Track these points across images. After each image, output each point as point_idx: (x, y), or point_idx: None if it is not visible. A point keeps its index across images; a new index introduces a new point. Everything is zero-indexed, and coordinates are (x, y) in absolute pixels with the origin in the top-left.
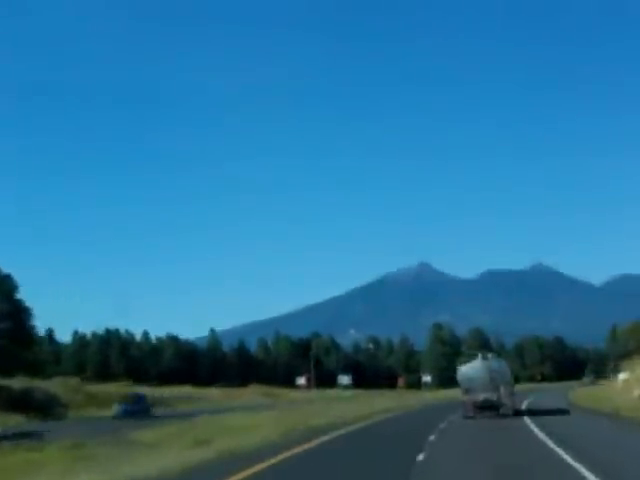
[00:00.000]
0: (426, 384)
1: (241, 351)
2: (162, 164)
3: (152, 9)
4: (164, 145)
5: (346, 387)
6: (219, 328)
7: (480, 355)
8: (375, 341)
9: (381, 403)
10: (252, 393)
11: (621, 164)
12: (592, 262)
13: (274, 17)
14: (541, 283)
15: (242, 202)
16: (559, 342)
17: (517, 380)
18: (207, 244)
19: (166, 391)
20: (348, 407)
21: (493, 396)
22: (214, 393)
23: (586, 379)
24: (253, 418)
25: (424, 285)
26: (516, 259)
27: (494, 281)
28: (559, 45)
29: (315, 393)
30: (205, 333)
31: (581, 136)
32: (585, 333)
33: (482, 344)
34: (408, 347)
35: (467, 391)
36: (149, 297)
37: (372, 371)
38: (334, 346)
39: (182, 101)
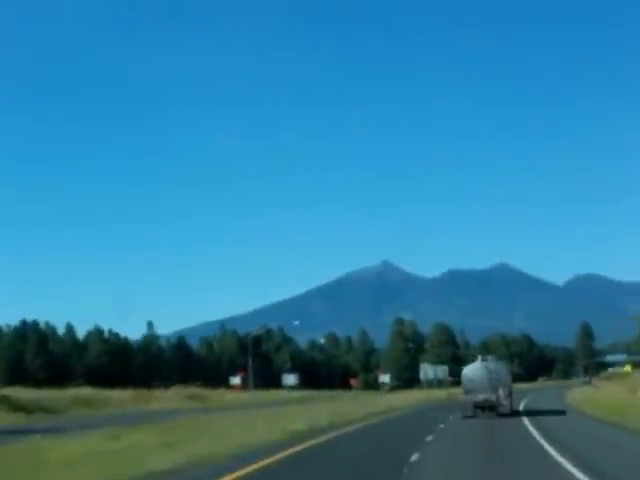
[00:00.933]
0: (384, 385)
1: (181, 348)
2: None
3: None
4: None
5: (292, 388)
6: (183, 326)
7: (480, 357)
8: (334, 339)
9: (309, 418)
10: (175, 395)
11: (582, 165)
12: (555, 262)
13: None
14: (504, 283)
15: (206, 198)
16: (526, 339)
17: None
18: (175, 240)
19: (57, 393)
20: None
21: (492, 396)
22: (122, 396)
23: (578, 379)
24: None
25: (387, 284)
26: (479, 259)
27: (457, 280)
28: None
29: (251, 395)
30: (175, 330)
31: (544, 133)
32: (548, 332)
33: (447, 340)
34: (368, 344)
35: (467, 391)
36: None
37: (328, 370)
38: (286, 343)
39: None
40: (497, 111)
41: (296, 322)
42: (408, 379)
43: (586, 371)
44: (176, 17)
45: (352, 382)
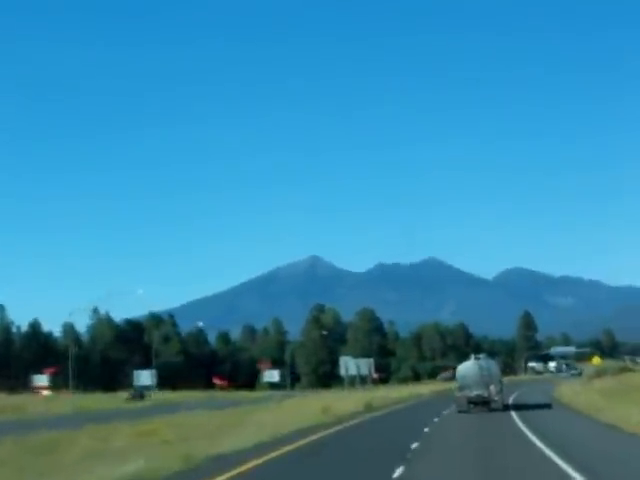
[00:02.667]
0: (273, 385)
1: (36, 337)
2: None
3: None
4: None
5: (145, 389)
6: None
7: (473, 356)
8: (251, 331)
9: None
10: None
11: (507, 161)
12: (484, 256)
13: None
14: (433, 277)
15: (130, 187)
16: (462, 329)
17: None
18: (111, 236)
19: None
20: None
21: (484, 392)
22: None
23: (562, 373)
24: None
25: (316, 279)
26: (408, 253)
27: (386, 275)
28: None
29: (67, 401)
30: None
31: (471, 129)
32: (478, 326)
33: (373, 329)
34: (281, 335)
35: (461, 388)
36: None
37: (231, 365)
38: (177, 334)
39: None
40: (428, 106)
41: (200, 323)
42: (326, 375)
43: (565, 363)
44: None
45: (217, 382)
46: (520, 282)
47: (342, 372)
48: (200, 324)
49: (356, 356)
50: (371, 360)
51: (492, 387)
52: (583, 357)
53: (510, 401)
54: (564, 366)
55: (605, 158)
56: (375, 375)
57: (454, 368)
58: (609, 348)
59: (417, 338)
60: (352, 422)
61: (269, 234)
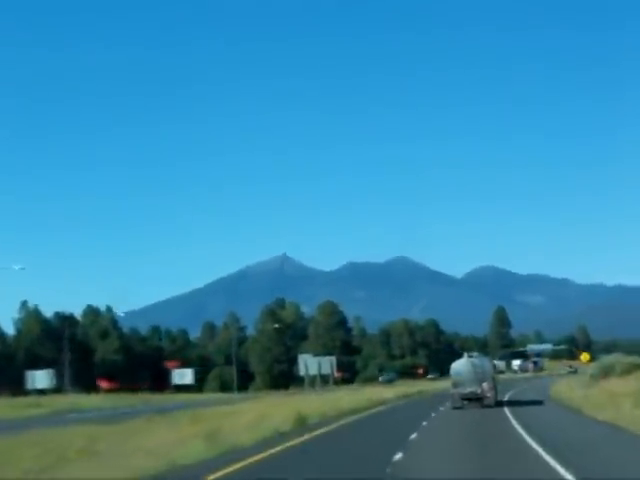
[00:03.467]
0: (180, 387)
1: None
2: None
3: None
4: None
5: (41, 392)
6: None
7: (466, 354)
8: (211, 328)
9: None
10: None
11: (476, 160)
12: (454, 255)
13: None
14: (403, 275)
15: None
16: (433, 326)
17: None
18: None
19: None
20: None
21: (477, 389)
22: None
23: (527, 373)
24: None
25: (285, 278)
26: (378, 252)
27: (356, 273)
28: None
29: None
30: None
31: (438, 129)
32: (448, 324)
33: (337, 324)
34: (239, 330)
35: (455, 385)
36: None
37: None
38: (117, 329)
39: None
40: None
41: (121, 313)
42: (283, 374)
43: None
44: None
45: (103, 384)
46: (490, 280)
47: (301, 371)
48: (121, 314)
49: (318, 354)
50: (333, 358)
51: (485, 384)
52: (561, 355)
53: None
54: (530, 365)
55: (571, 159)
56: (337, 374)
57: (426, 367)
58: (584, 345)
59: (385, 335)
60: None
61: (239, 233)
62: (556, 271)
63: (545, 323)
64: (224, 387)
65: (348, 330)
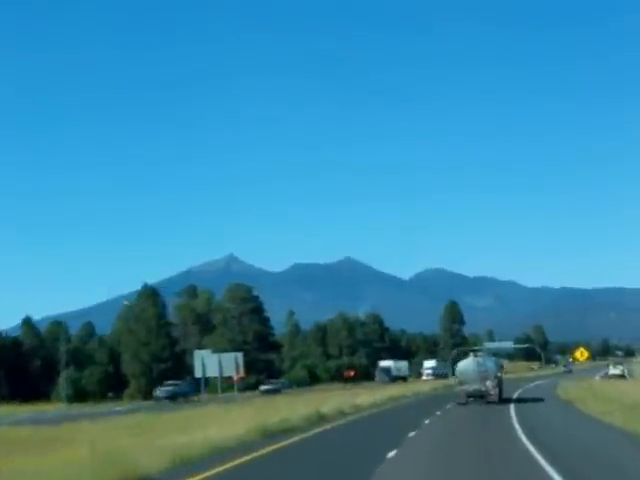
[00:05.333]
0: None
1: None
2: None
3: None
4: None
5: None
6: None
7: (472, 354)
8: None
9: None
10: None
11: (417, 160)
12: (401, 257)
13: None
14: (350, 277)
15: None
16: (377, 322)
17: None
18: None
19: None
20: None
21: (482, 387)
22: None
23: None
24: None
25: (232, 278)
26: (325, 253)
27: (303, 275)
28: None
29: None
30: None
31: (383, 129)
32: (395, 324)
33: (249, 311)
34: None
35: (461, 382)
36: None
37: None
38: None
39: None
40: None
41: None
42: (167, 376)
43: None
44: None
45: None
46: (437, 282)
47: (197, 372)
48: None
49: (223, 350)
50: (239, 355)
51: (489, 382)
52: (517, 356)
53: None
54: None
55: (516, 159)
56: (237, 375)
57: (354, 369)
58: (541, 346)
59: (321, 332)
60: None
61: (184, 233)
62: (503, 274)
63: (495, 325)
64: (80, 395)
65: (265, 320)
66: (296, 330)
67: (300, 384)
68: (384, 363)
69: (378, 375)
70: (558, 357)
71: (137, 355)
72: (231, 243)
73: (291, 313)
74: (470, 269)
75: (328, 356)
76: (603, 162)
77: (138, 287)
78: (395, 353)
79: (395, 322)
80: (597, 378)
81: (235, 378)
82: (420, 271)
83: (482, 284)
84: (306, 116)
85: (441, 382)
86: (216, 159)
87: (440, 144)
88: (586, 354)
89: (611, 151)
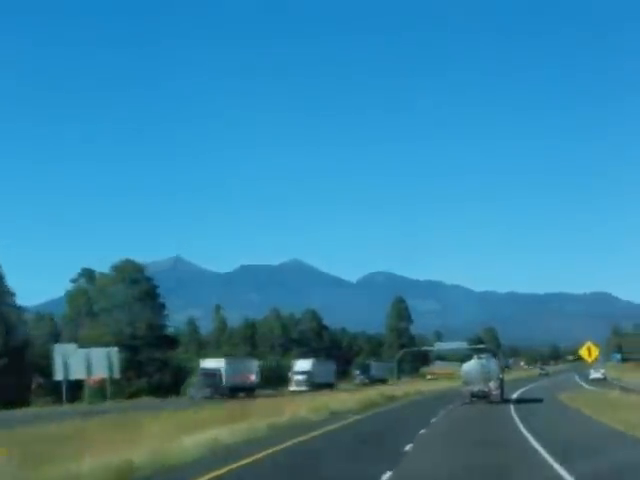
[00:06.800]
0: None
1: None
2: None
3: None
4: None
5: None
6: None
7: (475, 356)
8: None
9: None
10: None
11: (366, 164)
12: (349, 260)
13: None
14: (296, 279)
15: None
16: (314, 320)
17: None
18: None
19: None
20: None
21: (485, 387)
22: None
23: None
24: None
25: (178, 279)
26: (272, 255)
27: (250, 276)
28: None
29: None
30: None
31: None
32: (339, 325)
33: (141, 294)
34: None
35: (465, 383)
36: None
37: None
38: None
39: None
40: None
41: None
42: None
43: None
44: None
45: None
46: (384, 285)
47: (57, 374)
48: None
49: (103, 344)
50: (114, 350)
51: (491, 383)
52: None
53: None
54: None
55: (459, 167)
56: (94, 377)
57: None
58: (494, 347)
59: (250, 329)
60: None
61: (130, 234)
62: (450, 278)
63: (439, 328)
64: None
65: (160, 307)
66: (223, 327)
67: None
68: (302, 364)
69: (295, 381)
70: (510, 361)
71: None
72: (178, 244)
73: (218, 308)
74: (418, 273)
75: (257, 355)
76: (548, 170)
77: None
78: (335, 354)
79: (339, 324)
80: (586, 386)
81: (91, 380)
82: (367, 274)
83: (429, 288)
84: (255, 120)
85: (361, 394)
86: (164, 160)
87: (384, 148)
88: (595, 352)
89: (552, 158)
